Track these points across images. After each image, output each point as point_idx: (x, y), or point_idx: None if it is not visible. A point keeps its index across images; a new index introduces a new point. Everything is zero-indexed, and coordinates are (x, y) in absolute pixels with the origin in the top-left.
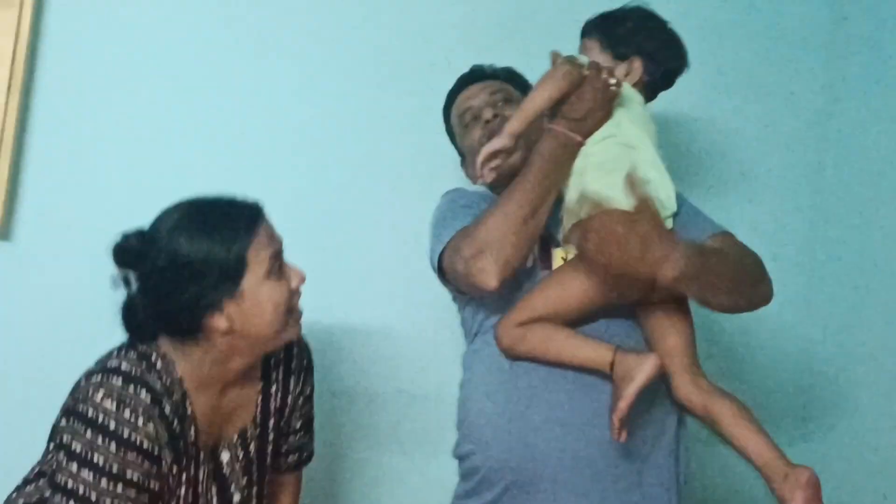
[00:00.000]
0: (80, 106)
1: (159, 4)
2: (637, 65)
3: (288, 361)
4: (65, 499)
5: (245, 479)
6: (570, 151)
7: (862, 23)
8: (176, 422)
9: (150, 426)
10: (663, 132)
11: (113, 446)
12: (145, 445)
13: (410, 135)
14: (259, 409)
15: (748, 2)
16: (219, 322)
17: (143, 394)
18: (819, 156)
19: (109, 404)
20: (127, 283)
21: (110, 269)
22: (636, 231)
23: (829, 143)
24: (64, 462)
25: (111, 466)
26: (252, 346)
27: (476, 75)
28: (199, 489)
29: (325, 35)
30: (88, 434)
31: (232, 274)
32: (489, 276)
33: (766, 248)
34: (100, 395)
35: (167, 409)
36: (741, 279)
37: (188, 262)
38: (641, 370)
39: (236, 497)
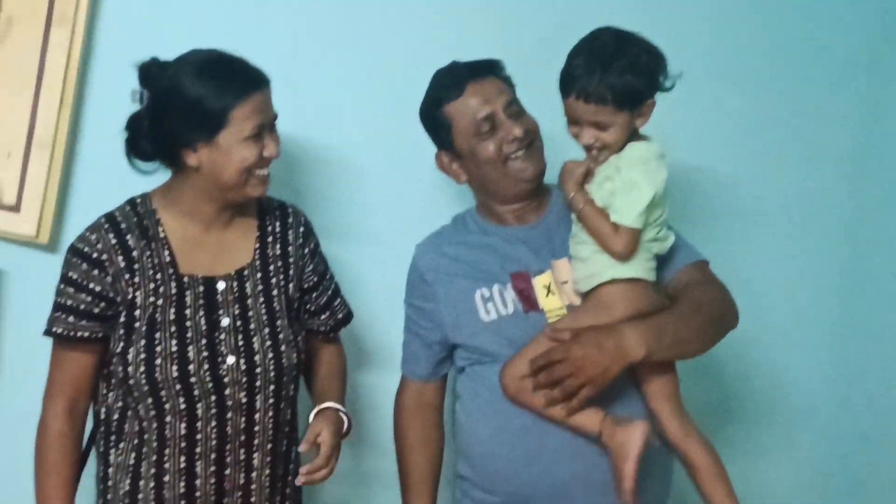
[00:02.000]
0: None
1: (208, 32)
2: (650, 105)
3: (284, 217)
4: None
5: (239, 308)
6: None
7: None
8: (134, 239)
9: (94, 236)
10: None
11: (68, 255)
12: (85, 251)
13: None
14: (258, 252)
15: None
16: (190, 159)
17: (103, 220)
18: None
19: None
20: (142, 99)
21: None
22: (582, 349)
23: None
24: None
25: (64, 273)
26: (218, 191)
27: (478, 70)
28: (186, 311)
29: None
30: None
31: (212, 123)
32: None
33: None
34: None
35: (124, 227)
36: (701, 324)
37: (182, 97)
38: (632, 445)
39: (225, 321)
